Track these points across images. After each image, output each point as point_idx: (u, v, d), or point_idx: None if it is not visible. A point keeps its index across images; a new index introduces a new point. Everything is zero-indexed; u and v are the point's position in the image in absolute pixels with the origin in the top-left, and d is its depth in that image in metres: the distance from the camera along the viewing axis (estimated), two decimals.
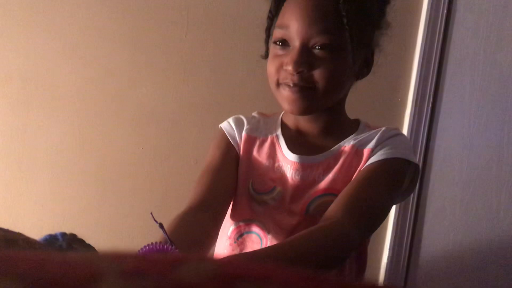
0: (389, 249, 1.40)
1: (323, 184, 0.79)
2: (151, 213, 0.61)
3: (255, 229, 0.81)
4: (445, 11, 1.35)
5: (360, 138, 0.81)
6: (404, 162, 0.78)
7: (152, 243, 0.54)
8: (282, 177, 0.81)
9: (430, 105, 1.39)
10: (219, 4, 1.31)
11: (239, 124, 0.87)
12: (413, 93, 1.39)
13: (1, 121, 1.29)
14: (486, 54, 1.37)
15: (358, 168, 0.78)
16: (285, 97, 0.76)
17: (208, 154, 0.88)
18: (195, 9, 1.30)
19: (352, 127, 0.85)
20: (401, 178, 0.80)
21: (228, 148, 0.85)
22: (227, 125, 0.88)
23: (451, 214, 1.40)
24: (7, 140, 1.29)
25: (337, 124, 0.84)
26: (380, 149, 0.78)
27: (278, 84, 0.77)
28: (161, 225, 0.62)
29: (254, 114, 0.91)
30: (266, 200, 0.81)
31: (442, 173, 1.41)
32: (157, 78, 1.31)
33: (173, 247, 0.57)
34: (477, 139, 1.39)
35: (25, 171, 1.31)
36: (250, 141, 0.85)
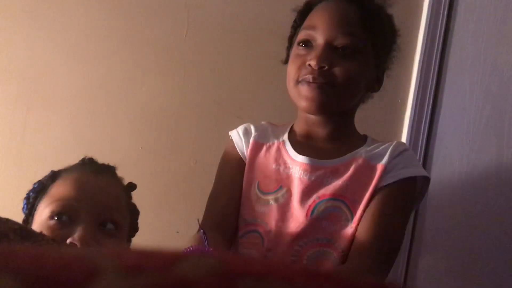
0: None
1: (332, 188, 0.80)
2: (198, 220, 0.70)
3: (258, 228, 0.83)
4: (445, 12, 1.35)
5: (371, 152, 0.84)
6: (415, 179, 0.83)
7: (191, 247, 0.58)
8: (289, 177, 0.83)
9: (430, 106, 1.39)
10: (219, 4, 1.31)
11: (247, 133, 0.90)
12: (413, 94, 1.39)
13: (0, 120, 1.29)
14: (486, 55, 1.37)
15: (373, 184, 0.80)
16: (303, 93, 0.80)
17: (219, 169, 0.91)
18: (195, 9, 1.30)
19: (360, 140, 0.88)
20: (413, 200, 0.85)
21: (236, 163, 0.88)
22: (236, 135, 0.91)
23: (451, 214, 1.40)
24: (6, 139, 1.29)
25: (346, 133, 0.87)
26: (393, 167, 0.81)
27: (297, 82, 0.81)
28: (204, 232, 0.67)
29: (263, 122, 0.94)
30: (271, 200, 0.83)
31: (442, 173, 1.41)
32: (157, 77, 1.31)
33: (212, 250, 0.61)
34: (477, 139, 1.39)
35: (24, 171, 1.30)
36: (257, 147, 0.88)
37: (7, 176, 1.30)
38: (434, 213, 1.41)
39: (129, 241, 0.86)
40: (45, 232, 0.70)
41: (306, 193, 0.81)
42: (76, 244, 0.70)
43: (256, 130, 0.90)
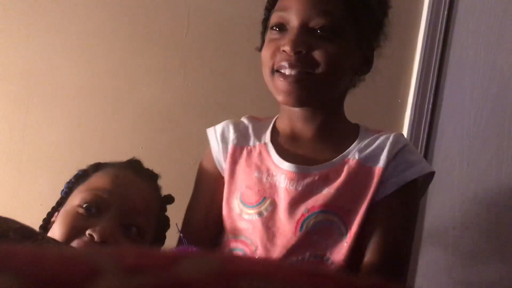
0: None
1: (322, 198, 0.71)
2: (176, 224, 0.67)
3: (241, 245, 0.75)
4: (445, 12, 1.35)
5: (365, 152, 0.74)
6: (419, 180, 0.75)
7: (174, 248, 0.56)
8: (274, 188, 0.74)
9: (431, 106, 1.39)
10: (220, 4, 1.31)
11: (224, 138, 0.80)
12: (413, 94, 1.39)
13: (0, 120, 1.28)
14: (486, 55, 1.37)
15: (370, 192, 0.71)
16: (280, 87, 0.70)
17: (196, 178, 0.86)
18: (195, 9, 1.30)
19: (352, 132, 0.79)
20: (418, 199, 0.78)
21: (214, 172, 0.81)
22: (214, 139, 0.82)
23: (451, 214, 1.40)
24: (6, 139, 1.29)
25: (335, 127, 0.78)
26: (393, 171, 0.72)
27: (273, 72, 0.72)
28: (183, 236, 0.65)
29: (243, 119, 0.84)
30: (255, 214, 0.74)
31: (442, 173, 1.41)
32: (157, 77, 1.31)
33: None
34: (477, 139, 1.39)
35: (24, 170, 1.30)
36: (237, 153, 0.79)
37: (7, 176, 1.30)
38: (434, 213, 1.41)
39: None
40: (69, 218, 0.72)
41: (294, 206, 0.72)
42: (93, 237, 0.69)
43: (235, 131, 0.80)
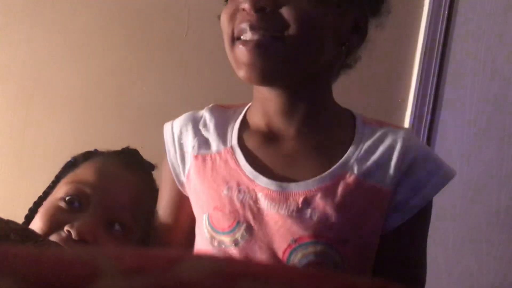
0: None
1: (311, 225, 0.55)
2: None
3: None
4: (446, 11, 1.35)
5: (367, 163, 0.57)
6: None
7: None
8: (249, 209, 0.57)
9: (431, 105, 1.39)
10: (220, 4, 1.31)
11: (181, 144, 0.65)
12: (414, 93, 1.38)
13: (0, 119, 1.28)
14: (487, 55, 1.37)
15: (377, 216, 0.57)
16: (240, 57, 0.55)
17: (160, 198, 0.69)
18: (195, 9, 1.30)
19: (346, 126, 0.62)
20: (431, 210, 0.64)
21: (170, 189, 0.66)
22: (170, 143, 0.67)
23: (451, 214, 1.40)
24: (6, 138, 1.29)
25: (324, 120, 0.60)
26: (410, 191, 0.58)
27: (232, 40, 0.57)
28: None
29: (206, 111, 0.68)
30: (229, 242, 0.58)
31: None
32: (157, 77, 1.30)
33: None
34: (478, 139, 1.39)
35: (24, 170, 1.30)
36: (199, 163, 0.62)
37: (7, 175, 1.30)
38: (434, 213, 1.41)
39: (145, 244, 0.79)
40: (50, 210, 0.67)
41: (276, 234, 0.56)
42: (70, 233, 0.64)
43: (195, 134, 0.64)
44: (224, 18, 0.59)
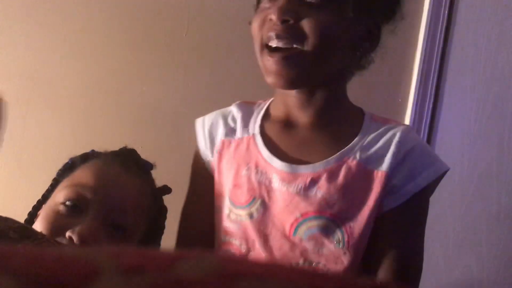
0: None
1: (317, 202, 0.65)
2: None
3: (230, 248, 0.70)
4: (446, 11, 1.35)
5: (369, 151, 0.67)
6: (432, 181, 0.69)
7: None
8: (264, 187, 0.68)
9: (431, 105, 1.39)
10: (220, 3, 1.31)
11: (212, 133, 0.76)
12: (414, 93, 1.39)
13: None
14: (487, 55, 1.37)
15: (372, 200, 0.65)
16: (268, 67, 0.64)
17: (190, 179, 0.80)
18: (195, 8, 1.30)
19: (355, 121, 0.71)
20: (429, 201, 0.71)
21: (202, 174, 0.76)
22: (201, 133, 0.78)
23: (451, 214, 1.40)
24: (6, 138, 1.29)
25: (337, 114, 0.70)
26: (404, 177, 0.66)
27: (262, 47, 0.65)
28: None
29: (233, 107, 0.77)
30: (245, 215, 0.68)
31: None
32: (157, 76, 1.31)
33: None
34: (478, 139, 1.39)
35: (24, 170, 1.30)
36: (224, 147, 0.73)
37: (7, 175, 1.30)
38: (434, 213, 1.41)
39: (155, 243, 0.79)
40: (51, 215, 0.67)
41: (286, 209, 0.66)
42: (73, 239, 0.65)
43: (224, 124, 0.74)
44: (254, 26, 0.67)
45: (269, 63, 0.64)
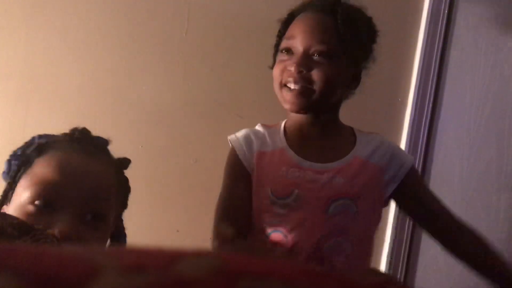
0: (389, 249, 1.40)
1: (339, 187, 0.91)
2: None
3: (280, 228, 0.91)
4: (446, 11, 1.35)
5: (367, 151, 0.95)
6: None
7: None
8: (299, 181, 0.91)
9: (431, 105, 1.39)
10: (220, 3, 1.31)
11: (249, 143, 0.96)
12: (413, 93, 1.39)
13: (0, 119, 1.28)
14: (486, 55, 1.37)
15: (378, 182, 0.94)
16: (287, 98, 0.91)
17: (227, 177, 0.96)
18: (195, 8, 1.30)
19: (349, 133, 0.98)
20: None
21: (243, 173, 0.95)
22: (238, 144, 0.96)
23: None
24: (6, 139, 1.29)
25: (336, 129, 0.98)
26: (393, 168, 0.95)
27: (281, 86, 0.91)
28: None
29: (258, 127, 1.00)
30: (288, 203, 0.91)
31: (442, 173, 1.41)
32: (157, 76, 1.31)
33: None
34: (477, 139, 1.39)
35: None
36: (262, 156, 0.95)
37: None
38: None
39: (119, 219, 0.79)
40: (22, 217, 0.63)
41: (318, 195, 0.90)
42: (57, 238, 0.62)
43: (256, 138, 0.97)
44: (276, 72, 0.92)
45: (288, 97, 0.90)
